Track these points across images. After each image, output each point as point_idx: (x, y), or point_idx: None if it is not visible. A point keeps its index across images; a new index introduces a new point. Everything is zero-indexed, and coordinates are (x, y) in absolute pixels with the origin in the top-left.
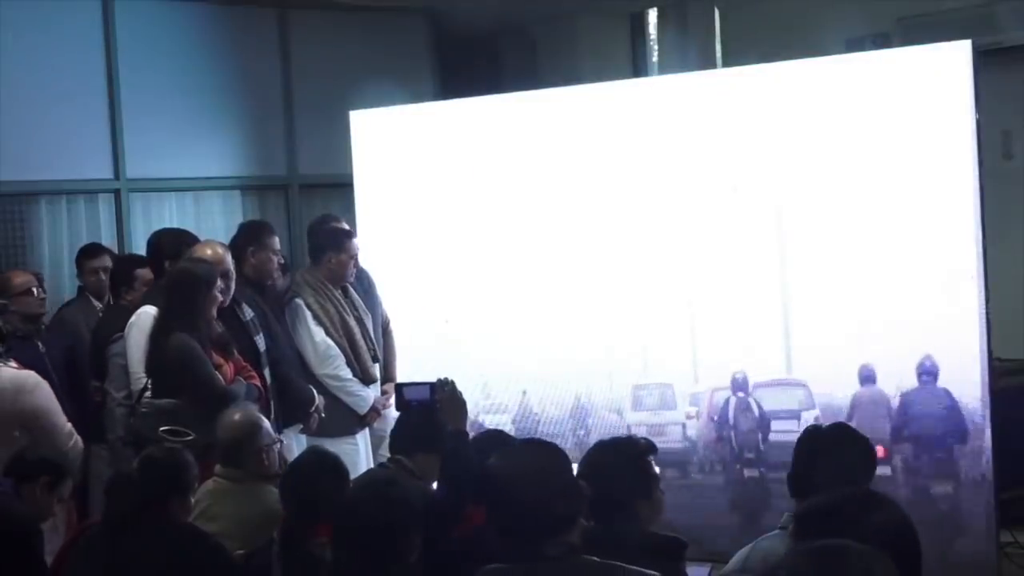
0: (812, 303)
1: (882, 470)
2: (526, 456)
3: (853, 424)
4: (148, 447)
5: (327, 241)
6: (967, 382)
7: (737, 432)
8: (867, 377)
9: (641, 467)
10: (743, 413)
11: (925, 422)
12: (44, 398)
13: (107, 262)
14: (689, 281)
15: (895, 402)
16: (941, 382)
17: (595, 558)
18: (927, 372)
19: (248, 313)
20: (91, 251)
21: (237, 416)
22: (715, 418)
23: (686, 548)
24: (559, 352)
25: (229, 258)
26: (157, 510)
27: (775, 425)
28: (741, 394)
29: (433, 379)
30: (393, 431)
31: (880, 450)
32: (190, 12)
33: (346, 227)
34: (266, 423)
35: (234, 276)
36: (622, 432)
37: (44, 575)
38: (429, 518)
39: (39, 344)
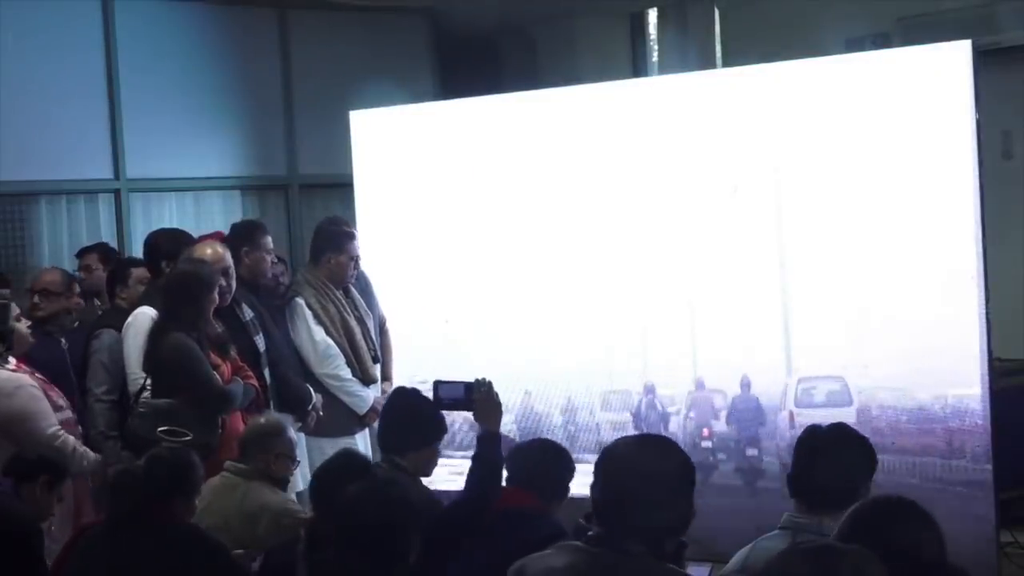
0: (812, 303)
1: (705, 443)
2: (667, 460)
3: (692, 417)
4: (148, 447)
5: (327, 242)
6: (967, 382)
7: (647, 424)
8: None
9: None
10: (650, 410)
11: (741, 418)
12: (23, 401)
13: (90, 260)
14: (689, 281)
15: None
16: (943, 381)
17: (672, 566)
18: (745, 384)
19: (248, 313)
20: (81, 251)
21: (263, 418)
22: (632, 414)
23: (686, 548)
24: (559, 352)
25: (229, 257)
26: (161, 510)
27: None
28: (650, 396)
29: (470, 379)
30: (381, 430)
31: (705, 431)
32: (190, 12)
33: (349, 229)
34: (292, 434)
35: (234, 275)
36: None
37: (44, 575)
38: (452, 519)
39: (62, 341)
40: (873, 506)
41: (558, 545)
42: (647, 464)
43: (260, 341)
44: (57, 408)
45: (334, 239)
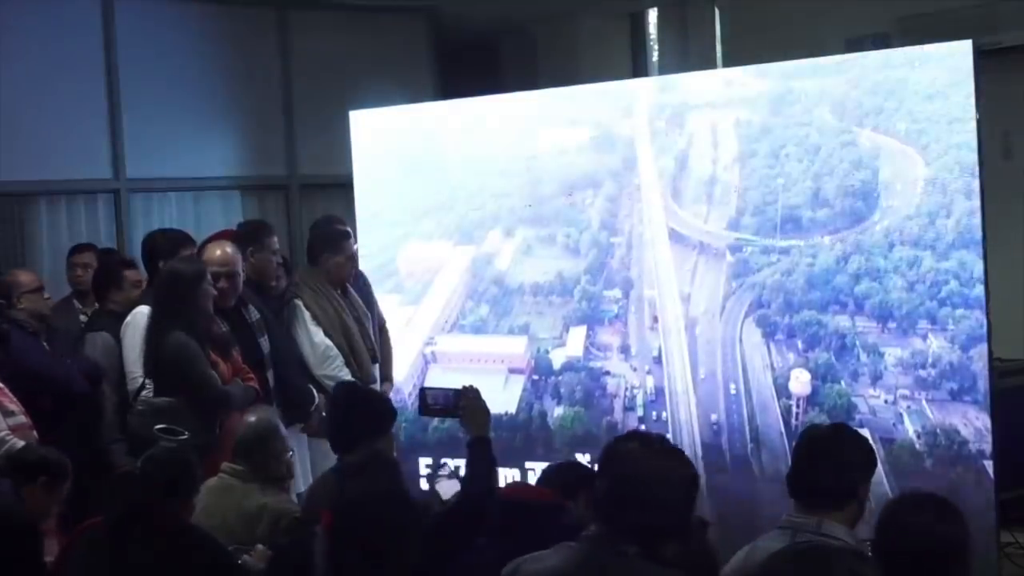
0: (813, 287)
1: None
2: (673, 465)
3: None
4: (147, 446)
5: (323, 242)
6: (967, 382)
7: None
8: None
9: None
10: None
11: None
12: None
13: (88, 259)
14: (694, 270)
15: None
16: (941, 357)
17: (658, 566)
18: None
19: (254, 315)
20: (75, 248)
21: (254, 418)
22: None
23: (708, 526)
24: (558, 349)
25: (239, 259)
26: (159, 510)
27: None
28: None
29: (457, 385)
30: (330, 432)
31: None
32: (190, 12)
33: (344, 228)
34: (283, 430)
35: (242, 277)
36: None
37: (44, 575)
38: (451, 522)
39: (44, 344)
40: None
41: (559, 545)
42: (653, 467)
43: (265, 343)
44: (8, 414)
45: (330, 239)
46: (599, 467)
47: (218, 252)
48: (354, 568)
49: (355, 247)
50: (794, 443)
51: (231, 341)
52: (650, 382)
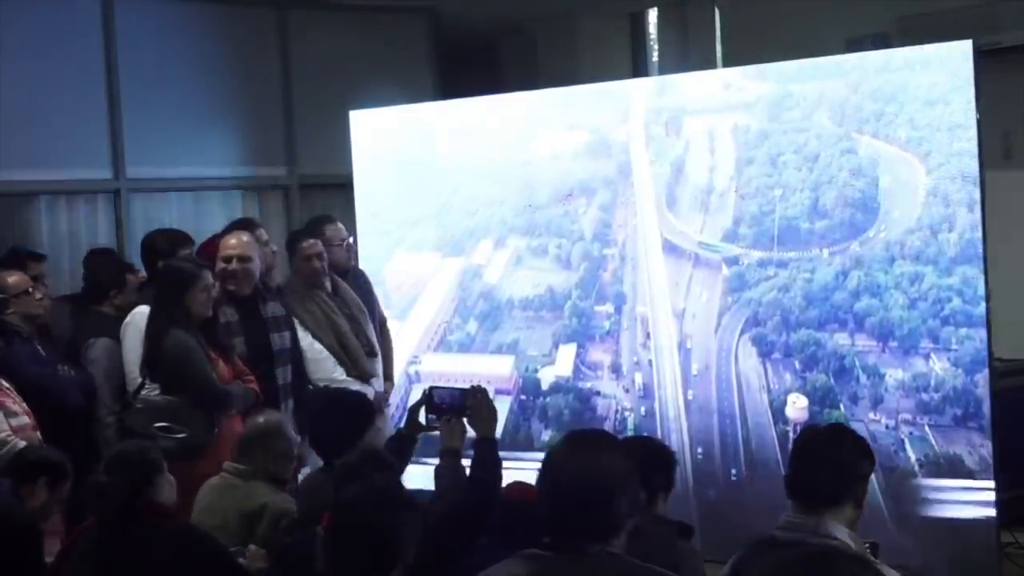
0: (811, 304)
1: None
2: (600, 458)
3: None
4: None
5: (288, 249)
6: (972, 407)
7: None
8: None
9: (669, 468)
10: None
11: None
12: None
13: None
14: (688, 284)
15: None
16: (945, 380)
17: (633, 560)
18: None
19: (271, 311)
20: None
21: (262, 418)
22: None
23: (693, 531)
24: (558, 350)
25: (254, 245)
26: (142, 503)
27: None
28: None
29: (464, 385)
30: (314, 438)
31: None
32: (190, 12)
33: (297, 231)
34: (290, 432)
35: (257, 264)
36: None
37: (44, 575)
38: (456, 522)
39: (38, 347)
40: None
41: (517, 554)
42: (586, 463)
43: (278, 339)
44: (11, 414)
45: (289, 243)
46: (539, 477)
47: (233, 240)
48: (354, 568)
49: (316, 244)
50: (792, 444)
51: (231, 343)
52: (639, 378)
